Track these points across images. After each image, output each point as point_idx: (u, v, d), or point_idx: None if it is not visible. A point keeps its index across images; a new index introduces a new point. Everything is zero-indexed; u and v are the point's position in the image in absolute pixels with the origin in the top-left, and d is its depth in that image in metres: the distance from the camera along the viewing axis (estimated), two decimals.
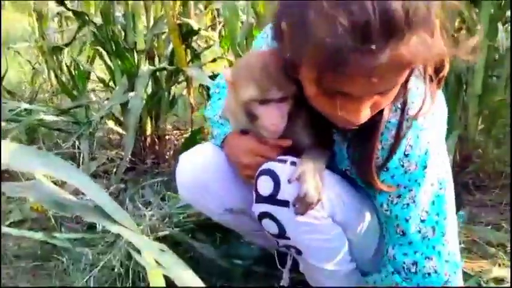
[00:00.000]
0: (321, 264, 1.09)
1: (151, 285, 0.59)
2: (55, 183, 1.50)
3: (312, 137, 1.06)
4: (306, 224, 1.02)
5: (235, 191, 1.19)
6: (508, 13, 2.29)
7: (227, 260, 1.48)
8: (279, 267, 1.25)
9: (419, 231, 0.99)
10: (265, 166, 1.04)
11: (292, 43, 0.82)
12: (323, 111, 0.91)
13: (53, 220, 1.68)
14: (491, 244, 1.63)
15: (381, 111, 0.92)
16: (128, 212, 1.64)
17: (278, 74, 0.95)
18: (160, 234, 1.48)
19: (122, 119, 2.41)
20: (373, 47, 0.72)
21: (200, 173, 1.18)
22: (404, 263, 1.02)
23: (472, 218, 1.85)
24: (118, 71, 2.30)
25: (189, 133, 2.37)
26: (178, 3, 2.24)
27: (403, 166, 0.98)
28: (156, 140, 2.40)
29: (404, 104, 0.94)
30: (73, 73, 2.64)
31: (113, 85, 2.50)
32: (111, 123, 2.42)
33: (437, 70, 0.91)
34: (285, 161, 1.04)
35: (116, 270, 1.39)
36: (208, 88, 2.04)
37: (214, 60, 2.40)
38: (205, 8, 3.73)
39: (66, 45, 2.58)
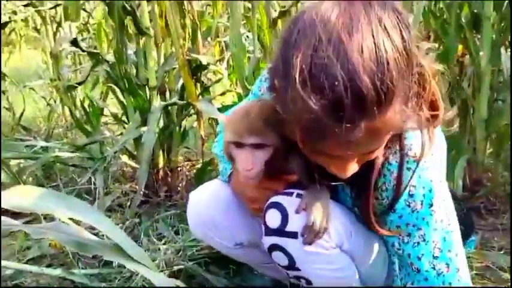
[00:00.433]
0: None
1: None
2: (72, 220, 1.54)
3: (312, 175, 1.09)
4: (315, 254, 1.05)
5: (243, 225, 1.22)
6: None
7: None
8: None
9: (434, 268, 1.01)
10: (272, 199, 1.08)
11: (280, 102, 0.83)
12: (315, 162, 0.93)
13: (71, 256, 1.71)
14: (504, 269, 1.62)
15: (375, 159, 0.94)
16: (142, 246, 1.68)
17: (257, 122, 1.01)
18: (175, 268, 1.51)
19: (135, 153, 2.46)
20: (347, 125, 0.73)
21: (208, 209, 1.23)
22: None
23: (484, 242, 1.85)
24: (131, 107, 2.37)
25: (201, 164, 2.41)
26: (187, 40, 2.31)
27: (409, 206, 1.00)
28: (168, 172, 2.45)
29: (402, 148, 0.97)
30: (87, 109, 2.72)
31: (126, 120, 2.57)
32: (124, 158, 2.48)
33: (433, 114, 0.92)
34: (291, 194, 1.08)
35: None
36: (217, 121, 2.09)
37: (223, 94, 2.46)
38: (213, 39, 3.84)
39: (80, 83, 2.66)
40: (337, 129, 0.73)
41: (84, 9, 3.96)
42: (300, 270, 1.07)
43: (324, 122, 0.74)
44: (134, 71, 2.40)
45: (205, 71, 2.51)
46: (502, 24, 2.14)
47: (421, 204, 0.99)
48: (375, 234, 1.14)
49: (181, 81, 2.40)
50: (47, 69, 4.41)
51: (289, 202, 1.06)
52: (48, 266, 1.68)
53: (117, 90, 2.52)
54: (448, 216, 1.02)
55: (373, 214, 1.03)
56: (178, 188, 2.43)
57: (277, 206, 1.06)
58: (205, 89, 2.52)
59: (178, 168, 2.55)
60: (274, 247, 1.06)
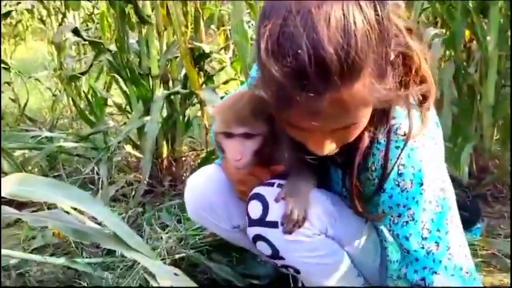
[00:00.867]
0: (321, 281, 1.12)
1: None
2: (75, 209, 1.54)
3: (302, 160, 1.09)
4: (297, 242, 1.06)
5: (238, 208, 1.22)
6: None
7: (243, 280, 1.49)
8: (291, 286, 1.27)
9: (423, 248, 0.99)
10: (254, 191, 1.10)
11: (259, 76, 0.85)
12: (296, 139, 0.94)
13: (73, 245, 1.72)
14: (510, 257, 1.61)
15: (361, 139, 0.94)
16: (145, 235, 1.68)
17: (243, 111, 1.03)
18: (177, 256, 1.51)
19: (138, 142, 2.46)
20: (311, 94, 0.74)
21: (205, 192, 1.25)
22: (414, 280, 1.02)
23: (490, 230, 1.83)
24: (134, 97, 2.36)
25: (205, 153, 2.41)
26: (189, 28, 2.30)
27: (398, 185, 0.99)
28: (172, 162, 2.44)
29: (388, 126, 0.96)
30: (91, 100, 2.72)
31: (129, 109, 2.56)
32: (128, 148, 2.47)
33: (424, 95, 0.93)
34: (272, 184, 1.10)
35: None
36: None
37: (226, 82, 2.44)
38: (218, 28, 3.82)
39: (83, 73, 2.66)
40: (299, 97, 0.75)
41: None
42: (284, 259, 1.09)
43: (289, 91, 0.75)
44: (137, 60, 2.39)
45: (209, 59, 2.49)
46: (510, 9, 2.09)
47: (411, 183, 0.97)
48: (363, 221, 1.15)
49: (184, 70, 2.38)
50: (52, 61, 4.43)
51: (270, 192, 1.08)
52: (52, 255, 1.69)
53: (120, 80, 2.51)
54: (439, 198, 0.99)
55: (358, 196, 1.03)
56: (183, 178, 2.42)
57: (259, 197, 1.09)
58: (209, 78, 2.50)
59: (183, 158, 2.55)
60: (257, 237, 1.09)
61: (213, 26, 3.36)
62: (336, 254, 1.11)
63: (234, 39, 2.13)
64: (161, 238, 1.59)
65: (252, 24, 3.63)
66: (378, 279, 1.19)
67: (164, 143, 2.41)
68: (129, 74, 2.31)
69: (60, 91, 3.67)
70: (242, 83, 2.39)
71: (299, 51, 0.72)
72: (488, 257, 1.63)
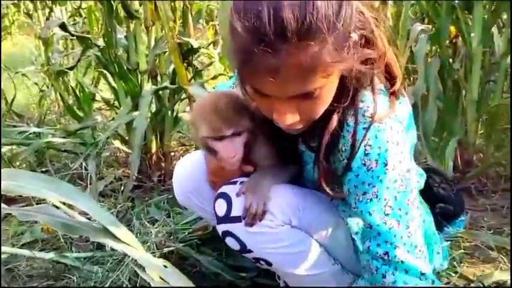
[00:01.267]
0: (292, 270, 1.16)
1: None
2: (64, 204, 1.55)
3: (275, 155, 1.18)
4: (260, 234, 1.11)
5: None
6: (504, 17, 2.32)
7: (232, 273, 1.51)
8: (277, 278, 1.30)
9: (385, 223, 1.03)
10: (219, 190, 1.16)
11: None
12: (264, 114, 1.00)
13: (62, 240, 1.72)
14: (492, 248, 1.65)
15: (329, 120, 1.00)
16: (135, 229, 1.69)
17: (228, 113, 1.08)
18: (166, 250, 1.53)
19: (127, 138, 2.46)
20: (269, 50, 0.81)
21: (191, 175, 1.31)
22: (377, 253, 1.06)
23: (474, 222, 1.87)
24: (122, 92, 2.36)
25: (194, 148, 2.41)
26: (177, 23, 2.29)
27: (365, 165, 1.02)
28: (161, 156, 2.45)
29: (357, 110, 1.01)
30: (79, 95, 2.71)
31: (118, 105, 2.56)
32: (117, 143, 2.48)
33: (391, 82, 1.03)
34: (235, 182, 1.16)
35: (124, 286, 1.43)
36: None
37: (215, 77, 2.45)
38: (207, 23, 3.81)
39: (70, 68, 2.64)
40: (258, 50, 0.81)
41: None
42: (252, 251, 1.13)
43: (249, 46, 0.82)
44: (125, 55, 2.38)
45: (197, 54, 2.49)
46: (494, 5, 2.12)
47: (376, 163, 1.01)
48: (331, 208, 1.21)
49: (172, 65, 2.38)
50: (39, 55, 4.38)
51: (233, 190, 1.14)
52: (41, 250, 1.69)
53: (108, 75, 2.50)
54: (402, 179, 1.03)
55: (325, 175, 1.07)
56: (172, 173, 2.43)
57: (223, 195, 1.14)
58: (198, 73, 2.51)
59: (172, 153, 2.55)
60: (225, 233, 1.14)
61: (201, 21, 3.36)
62: (302, 243, 1.16)
63: (222, 34, 2.13)
64: (151, 232, 1.60)
65: None
66: (355, 265, 1.22)
67: (153, 138, 2.41)
68: (117, 69, 2.30)
69: (47, 86, 3.64)
70: (231, 77, 2.40)
71: (260, 8, 0.81)
72: (471, 249, 1.67)
